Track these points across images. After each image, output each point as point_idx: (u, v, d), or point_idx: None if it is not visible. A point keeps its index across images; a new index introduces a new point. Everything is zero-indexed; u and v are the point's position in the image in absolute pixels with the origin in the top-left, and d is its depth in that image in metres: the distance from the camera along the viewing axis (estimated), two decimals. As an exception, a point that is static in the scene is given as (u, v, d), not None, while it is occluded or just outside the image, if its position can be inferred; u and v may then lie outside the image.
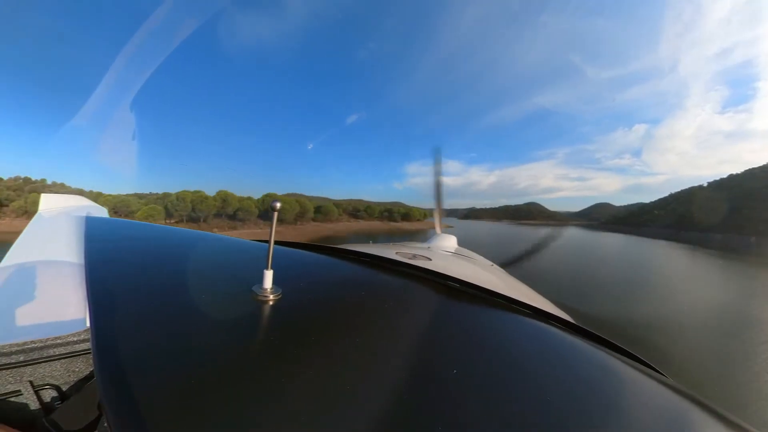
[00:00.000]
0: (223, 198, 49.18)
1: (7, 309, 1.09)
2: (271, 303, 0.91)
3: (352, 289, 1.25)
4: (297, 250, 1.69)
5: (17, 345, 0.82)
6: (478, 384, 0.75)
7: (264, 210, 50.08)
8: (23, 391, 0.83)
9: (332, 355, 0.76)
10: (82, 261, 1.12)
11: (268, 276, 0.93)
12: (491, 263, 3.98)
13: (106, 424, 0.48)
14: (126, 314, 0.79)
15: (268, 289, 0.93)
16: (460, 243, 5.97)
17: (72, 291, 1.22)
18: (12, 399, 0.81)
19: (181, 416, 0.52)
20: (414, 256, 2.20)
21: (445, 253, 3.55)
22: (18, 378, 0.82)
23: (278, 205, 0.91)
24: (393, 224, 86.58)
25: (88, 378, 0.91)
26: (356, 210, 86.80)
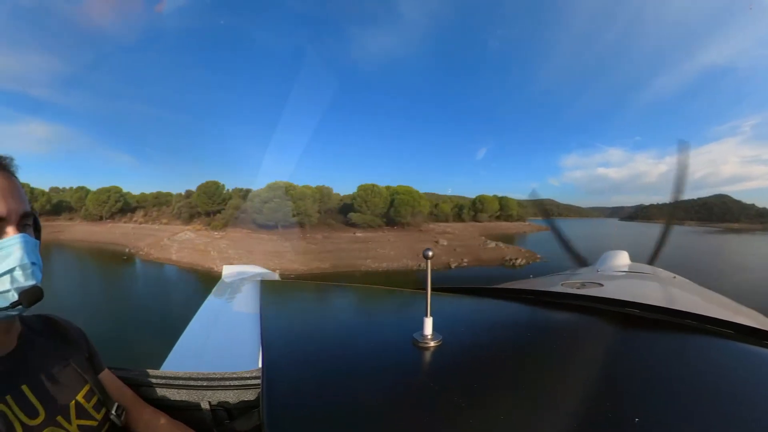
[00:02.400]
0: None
1: (199, 349, 1.62)
2: (431, 350, 0.94)
3: (516, 330, 1.23)
4: (455, 295, 1.73)
5: (203, 374, 1.11)
6: None
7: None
8: (203, 407, 1.11)
9: (497, 402, 0.74)
10: (257, 314, 1.39)
11: (428, 323, 0.97)
12: (673, 275, 3.42)
13: None
14: (291, 358, 0.96)
15: (429, 336, 0.97)
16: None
17: (249, 338, 1.54)
18: (195, 411, 1.12)
19: None
20: (582, 285, 1.99)
21: (617, 273, 3.25)
22: (200, 397, 1.10)
23: (431, 253, 0.96)
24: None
25: (254, 406, 1.12)
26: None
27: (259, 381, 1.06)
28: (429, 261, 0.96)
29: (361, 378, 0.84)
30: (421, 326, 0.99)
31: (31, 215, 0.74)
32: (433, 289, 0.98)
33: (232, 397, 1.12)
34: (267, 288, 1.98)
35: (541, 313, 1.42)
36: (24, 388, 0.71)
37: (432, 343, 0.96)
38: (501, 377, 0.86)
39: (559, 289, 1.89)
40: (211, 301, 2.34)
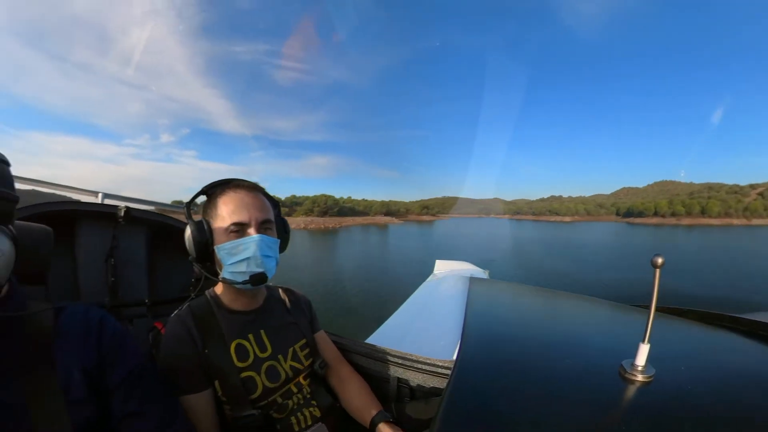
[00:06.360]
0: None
1: (403, 331, 1.83)
2: (639, 384, 0.76)
3: (755, 379, 0.89)
4: (680, 318, 1.44)
5: (399, 353, 1.21)
6: None
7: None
8: (391, 381, 1.22)
9: None
10: (462, 309, 1.41)
11: (643, 351, 0.77)
12: None
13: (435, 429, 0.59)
14: (486, 358, 0.92)
15: (640, 367, 0.77)
16: None
17: (449, 330, 1.61)
18: (383, 383, 1.23)
19: None
20: None
21: None
22: (392, 372, 1.21)
23: (660, 260, 0.72)
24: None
25: (436, 393, 1.18)
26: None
27: (448, 371, 1.10)
28: (658, 270, 0.72)
29: (551, 398, 0.73)
30: (632, 352, 0.78)
31: (273, 222, 1.01)
32: (656, 309, 0.76)
33: (419, 379, 1.21)
34: (475, 285, 1.95)
35: None
36: (262, 332, 1.03)
37: (641, 377, 0.76)
38: None
39: None
40: (422, 291, 2.59)
